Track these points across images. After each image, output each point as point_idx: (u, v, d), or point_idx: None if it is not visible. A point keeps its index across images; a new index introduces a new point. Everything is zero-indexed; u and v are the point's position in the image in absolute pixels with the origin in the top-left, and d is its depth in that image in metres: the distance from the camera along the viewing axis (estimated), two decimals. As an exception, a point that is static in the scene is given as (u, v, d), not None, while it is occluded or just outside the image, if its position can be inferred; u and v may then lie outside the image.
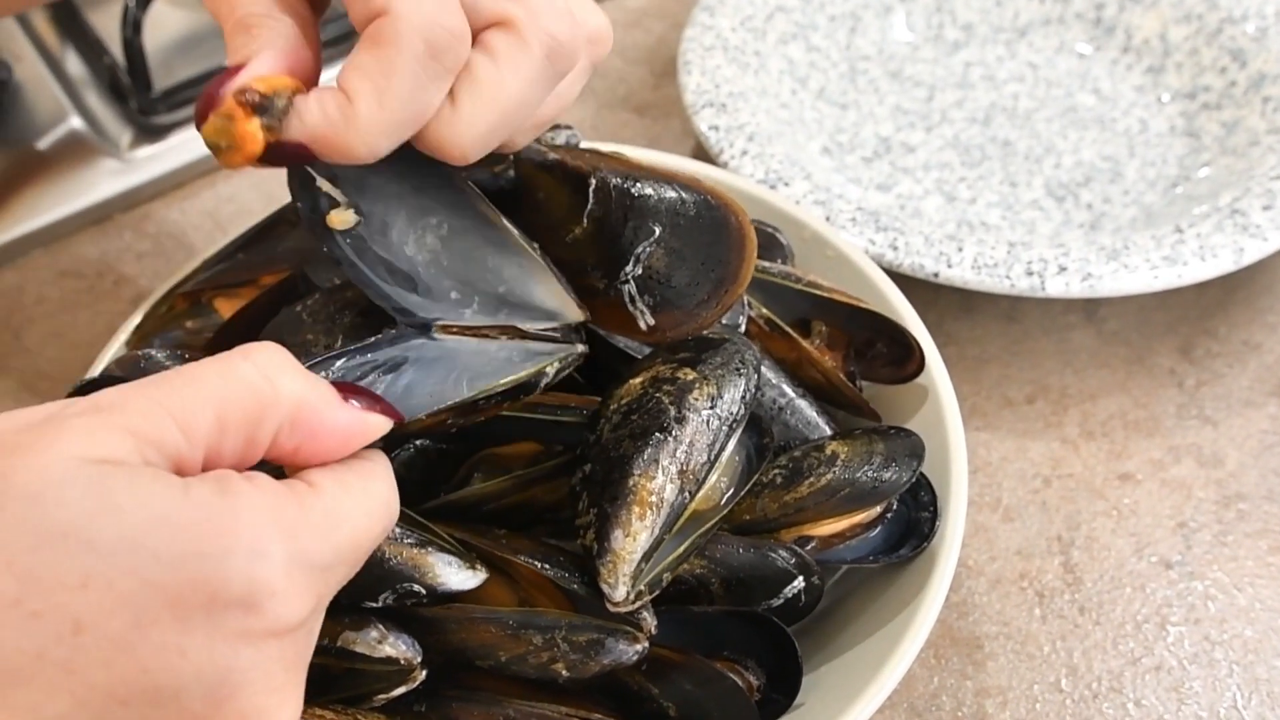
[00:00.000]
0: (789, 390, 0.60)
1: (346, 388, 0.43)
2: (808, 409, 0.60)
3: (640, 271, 0.50)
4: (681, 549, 0.50)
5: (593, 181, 0.51)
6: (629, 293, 0.51)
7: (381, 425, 0.43)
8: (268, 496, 0.38)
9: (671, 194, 0.50)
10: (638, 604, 0.49)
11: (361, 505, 0.42)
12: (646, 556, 0.49)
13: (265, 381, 0.40)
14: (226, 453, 0.39)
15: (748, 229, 0.49)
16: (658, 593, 0.49)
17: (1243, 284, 0.80)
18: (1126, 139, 0.88)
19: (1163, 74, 0.91)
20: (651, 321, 0.51)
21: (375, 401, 0.43)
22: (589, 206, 0.51)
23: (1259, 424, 0.73)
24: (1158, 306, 0.79)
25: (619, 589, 0.48)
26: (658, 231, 0.50)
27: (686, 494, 0.50)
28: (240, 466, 0.40)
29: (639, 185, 0.51)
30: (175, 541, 0.36)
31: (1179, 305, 0.79)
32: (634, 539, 0.48)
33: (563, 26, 0.47)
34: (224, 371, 0.40)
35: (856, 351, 0.63)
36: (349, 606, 0.49)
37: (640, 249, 0.50)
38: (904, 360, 0.62)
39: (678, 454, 0.50)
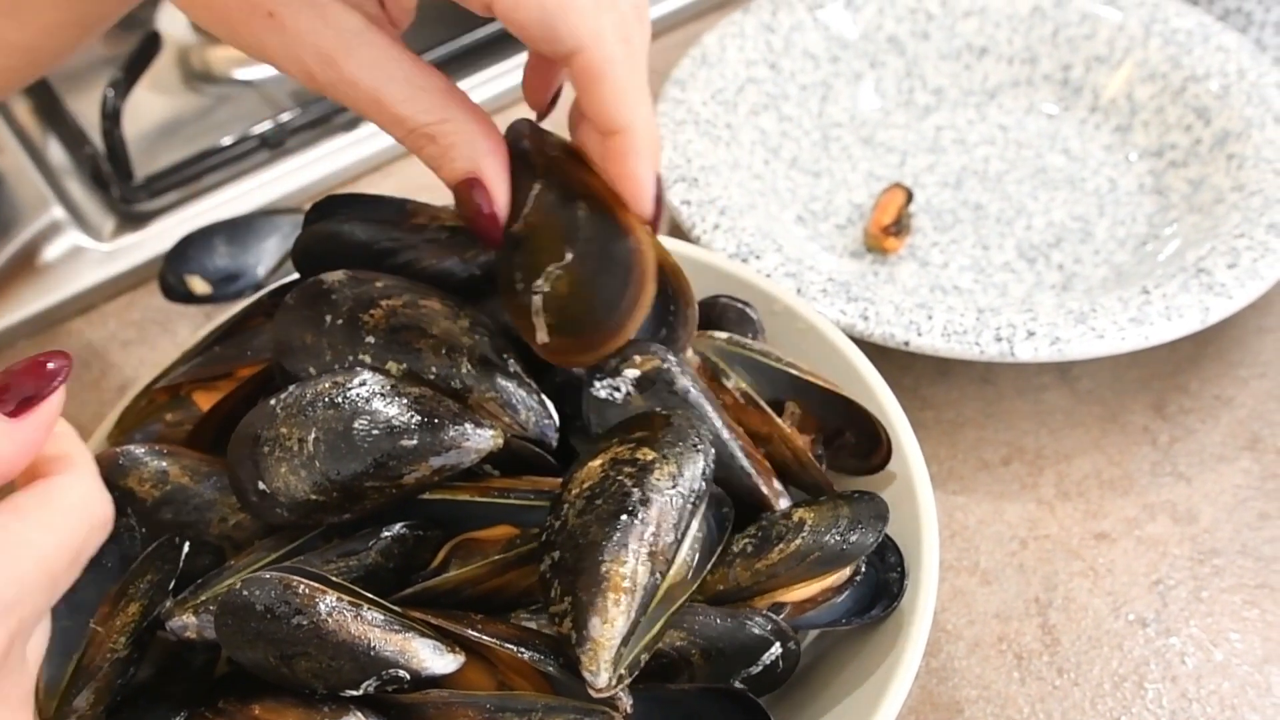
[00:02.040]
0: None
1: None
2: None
3: (548, 289, 0.53)
4: (656, 628, 0.51)
5: (536, 187, 0.55)
6: (535, 304, 0.53)
7: (46, 413, 0.43)
8: None
9: (597, 226, 0.54)
10: (619, 687, 0.49)
11: (45, 529, 0.42)
12: (625, 640, 0.49)
13: None
14: None
15: (647, 285, 0.52)
16: (637, 673, 0.50)
17: (1214, 339, 0.81)
18: (1096, 198, 0.89)
19: (1130, 133, 0.93)
20: (546, 339, 0.54)
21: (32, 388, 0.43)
22: (526, 210, 0.55)
23: (1232, 479, 0.74)
24: (1130, 364, 0.80)
25: (601, 676, 0.48)
26: (569, 258, 0.54)
27: (658, 575, 0.51)
28: None
29: (573, 206, 0.54)
30: None
31: (1151, 362, 0.80)
32: (611, 625, 0.49)
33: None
34: None
35: (825, 439, 0.64)
36: (328, 696, 0.50)
37: (552, 268, 0.52)
38: (870, 452, 0.63)
39: (645, 536, 0.51)
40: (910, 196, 0.87)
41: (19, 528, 0.42)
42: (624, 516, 0.51)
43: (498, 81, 0.99)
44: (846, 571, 0.58)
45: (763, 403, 0.62)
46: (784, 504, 0.59)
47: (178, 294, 0.84)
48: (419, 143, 0.52)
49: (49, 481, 0.44)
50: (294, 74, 0.51)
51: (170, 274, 0.85)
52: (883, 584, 0.59)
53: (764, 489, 0.59)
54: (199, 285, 0.85)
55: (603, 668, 0.48)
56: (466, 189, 0.53)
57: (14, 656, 0.42)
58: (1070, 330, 0.73)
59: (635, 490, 0.51)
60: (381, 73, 0.50)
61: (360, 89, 0.50)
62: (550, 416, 0.57)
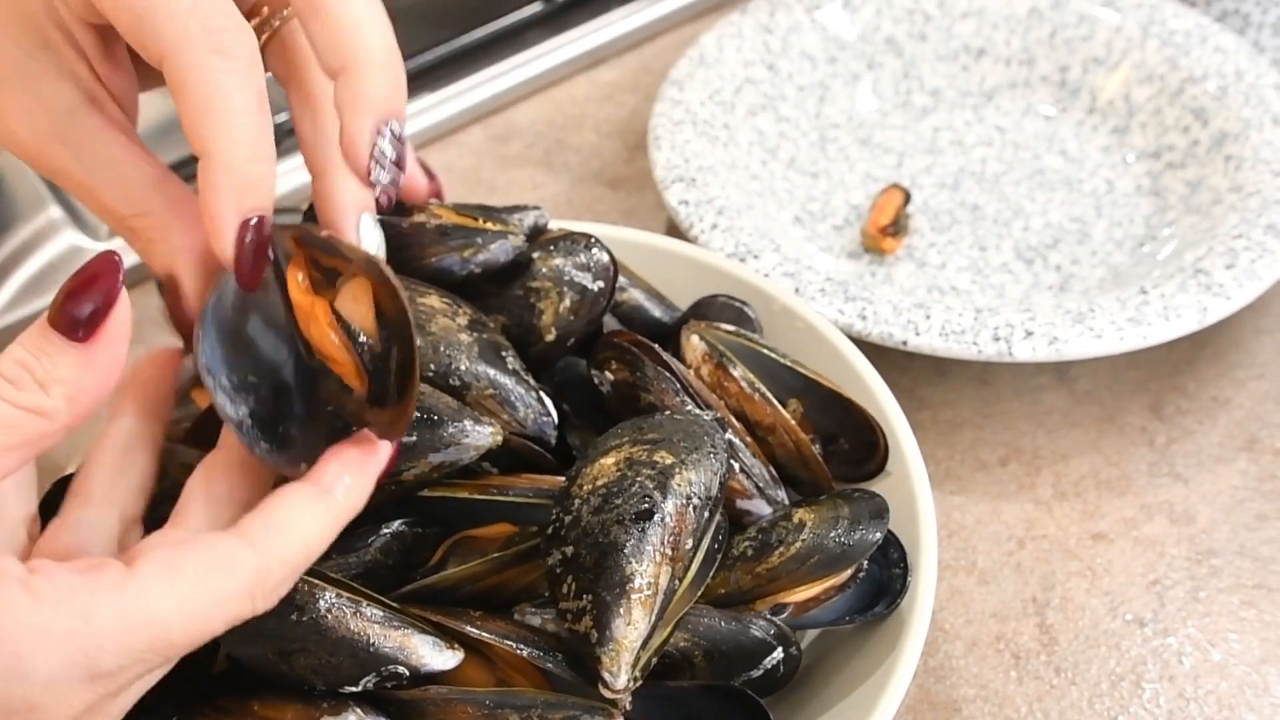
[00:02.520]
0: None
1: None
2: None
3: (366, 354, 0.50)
4: (667, 631, 0.51)
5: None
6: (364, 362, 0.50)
7: (118, 324, 0.43)
8: (41, 608, 0.39)
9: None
10: (632, 689, 0.49)
11: (183, 601, 0.41)
12: (645, 644, 0.50)
13: None
14: None
15: (413, 385, 0.47)
16: (647, 674, 0.50)
17: (1211, 340, 0.81)
18: (1094, 199, 0.89)
19: (1128, 134, 0.93)
20: (364, 396, 0.49)
21: None
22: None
23: (1229, 479, 0.74)
24: (1128, 365, 0.80)
25: (620, 677, 0.48)
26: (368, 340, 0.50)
27: (676, 580, 0.51)
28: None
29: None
30: None
31: (1149, 363, 0.80)
32: (635, 628, 0.49)
33: None
34: None
35: (820, 444, 0.64)
36: (327, 692, 0.50)
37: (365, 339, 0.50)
38: (865, 459, 0.63)
39: (667, 540, 0.51)
40: (908, 197, 0.87)
41: (158, 592, 0.40)
42: (648, 520, 0.51)
43: (496, 82, 0.99)
44: (848, 571, 0.58)
45: (768, 394, 0.62)
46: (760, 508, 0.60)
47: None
48: (124, 234, 0.50)
49: (238, 546, 0.43)
50: (15, 154, 0.49)
51: None
52: (885, 581, 0.59)
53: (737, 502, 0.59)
54: None
55: (623, 669, 0.48)
56: (169, 284, 0.50)
57: (101, 713, 0.41)
58: (1068, 330, 0.73)
59: (657, 494, 0.52)
60: (89, 160, 0.48)
61: (71, 178, 0.49)
62: (549, 414, 0.57)
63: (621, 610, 0.49)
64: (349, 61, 0.48)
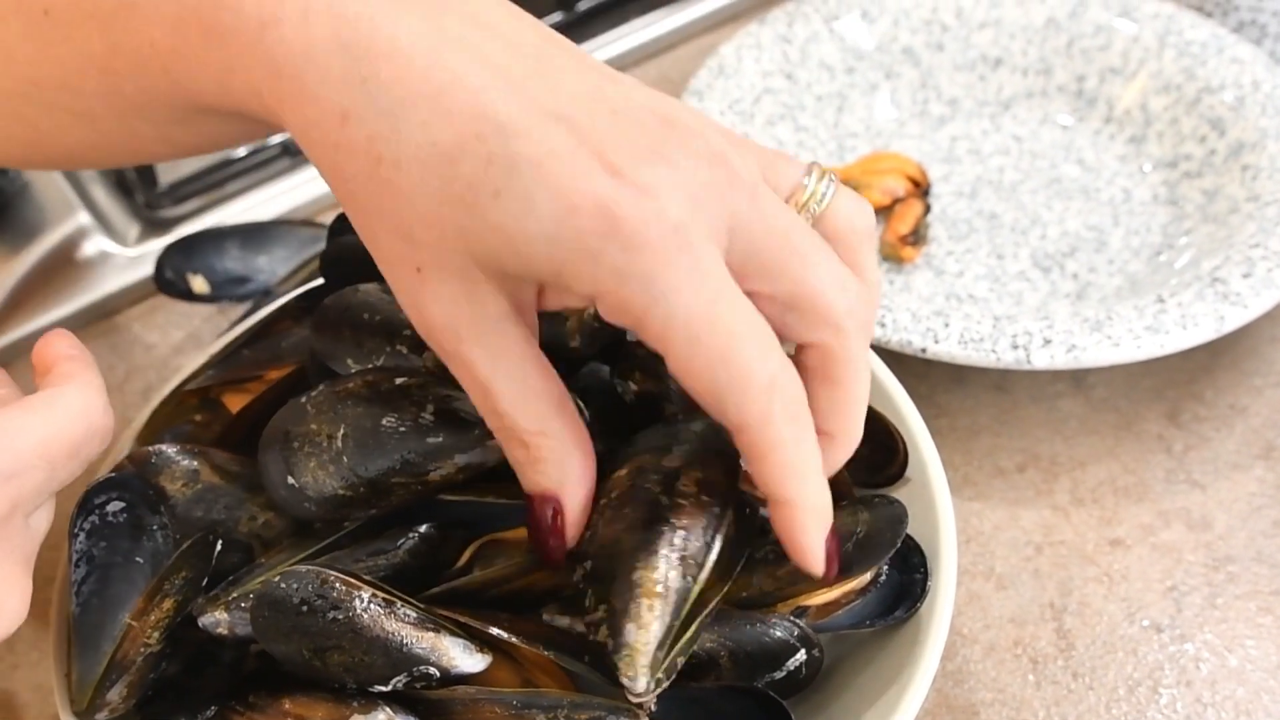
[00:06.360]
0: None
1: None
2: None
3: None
4: (692, 630, 0.51)
5: None
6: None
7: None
8: None
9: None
10: (657, 691, 0.50)
11: (45, 421, 0.48)
12: (661, 645, 0.50)
13: None
14: None
15: None
16: (674, 676, 0.51)
17: (1228, 348, 0.82)
18: (1111, 208, 0.90)
19: (1144, 143, 0.93)
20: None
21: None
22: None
23: (1246, 487, 0.75)
24: (1145, 373, 0.81)
25: (639, 681, 0.49)
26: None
27: (689, 579, 0.52)
28: None
29: None
30: None
31: (1166, 371, 0.81)
32: (646, 630, 0.49)
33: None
34: None
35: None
36: (358, 691, 0.51)
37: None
38: (885, 466, 0.63)
39: (675, 541, 0.51)
40: (928, 207, 0.88)
41: (21, 414, 0.47)
42: (653, 524, 0.51)
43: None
44: (868, 575, 0.59)
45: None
46: None
47: (176, 289, 0.85)
48: (511, 444, 0.51)
49: (52, 389, 0.50)
50: (419, 328, 0.50)
51: (170, 269, 0.85)
52: (905, 585, 0.59)
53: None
54: (199, 284, 0.86)
55: (640, 673, 0.49)
56: (542, 504, 0.51)
57: (15, 522, 0.47)
58: (1086, 338, 0.74)
59: (663, 497, 0.52)
60: (502, 366, 0.49)
61: (475, 374, 0.49)
62: (583, 412, 0.58)
63: (631, 615, 0.50)
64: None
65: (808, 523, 0.50)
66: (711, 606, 0.53)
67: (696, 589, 0.52)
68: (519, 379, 0.49)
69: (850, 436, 0.54)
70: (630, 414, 0.61)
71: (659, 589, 0.50)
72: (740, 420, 0.47)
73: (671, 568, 0.51)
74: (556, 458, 0.50)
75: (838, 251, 0.52)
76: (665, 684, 0.50)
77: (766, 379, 0.47)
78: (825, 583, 0.54)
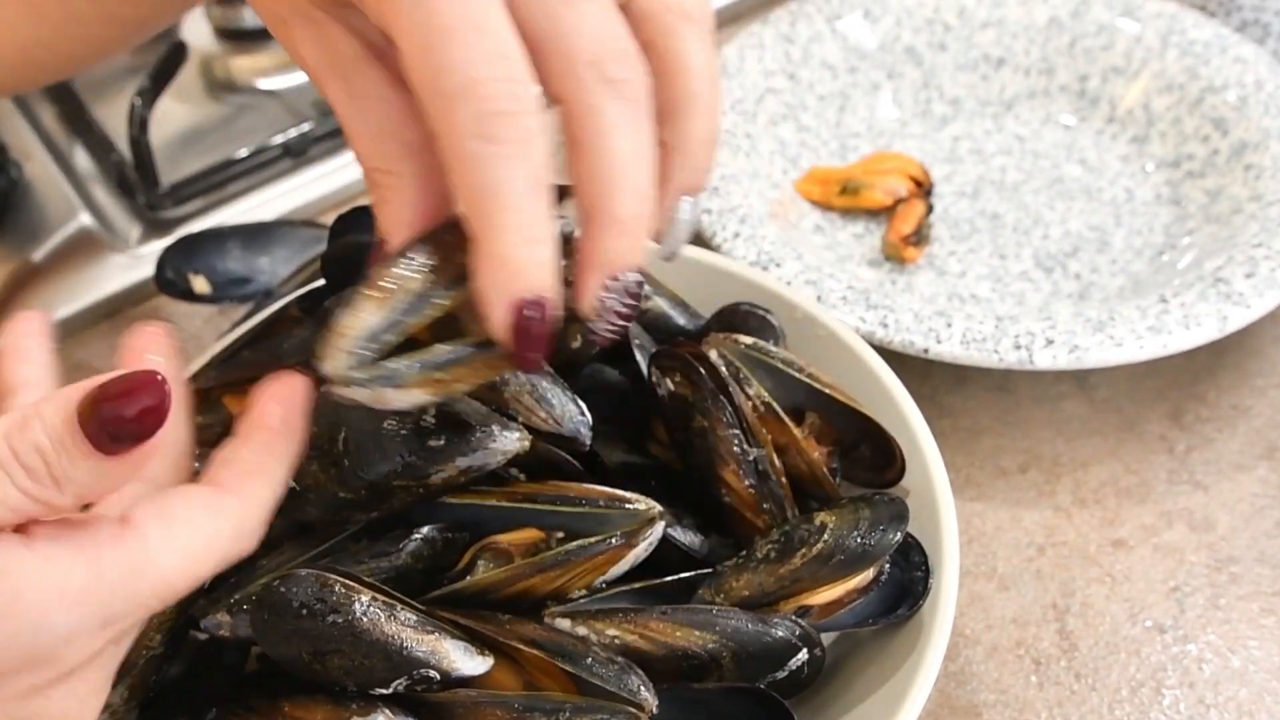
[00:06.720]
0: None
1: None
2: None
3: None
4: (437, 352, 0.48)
5: None
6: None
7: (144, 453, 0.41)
8: (54, 568, 0.41)
9: None
10: (363, 389, 0.46)
11: (180, 548, 0.43)
12: (375, 338, 0.46)
13: None
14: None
15: None
16: (393, 381, 0.46)
17: (1231, 349, 0.82)
18: (1113, 208, 0.90)
19: (1147, 143, 0.93)
20: None
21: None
22: None
23: (1249, 487, 0.75)
24: (1148, 373, 0.81)
25: (326, 363, 0.45)
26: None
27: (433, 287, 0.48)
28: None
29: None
30: None
31: (1169, 371, 0.81)
32: (357, 317, 0.46)
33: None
34: None
35: (842, 450, 0.64)
36: (358, 694, 0.50)
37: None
38: (885, 467, 0.63)
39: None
40: (930, 208, 0.87)
41: (157, 544, 0.43)
42: None
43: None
44: (871, 573, 0.59)
45: (781, 413, 0.62)
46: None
47: (177, 290, 0.85)
48: (367, 179, 0.49)
49: (219, 494, 0.45)
50: (304, 71, 0.50)
51: (171, 269, 0.85)
52: (907, 584, 0.59)
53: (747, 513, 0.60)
54: (201, 284, 0.85)
55: (330, 354, 0.45)
56: (379, 245, 0.49)
57: (106, 655, 0.44)
58: (1088, 338, 0.73)
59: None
60: (358, 104, 0.48)
61: (337, 112, 0.49)
62: (584, 414, 0.57)
63: (349, 301, 0.46)
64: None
65: (489, 277, 0.44)
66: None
67: (443, 301, 0.48)
68: (374, 119, 0.48)
69: (606, 219, 0.47)
70: (640, 414, 0.61)
71: (390, 285, 0.47)
72: (433, 127, 0.44)
73: (412, 271, 0.47)
74: (397, 200, 0.48)
75: (644, 29, 0.47)
76: (368, 383, 0.46)
77: (463, 81, 0.42)
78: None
